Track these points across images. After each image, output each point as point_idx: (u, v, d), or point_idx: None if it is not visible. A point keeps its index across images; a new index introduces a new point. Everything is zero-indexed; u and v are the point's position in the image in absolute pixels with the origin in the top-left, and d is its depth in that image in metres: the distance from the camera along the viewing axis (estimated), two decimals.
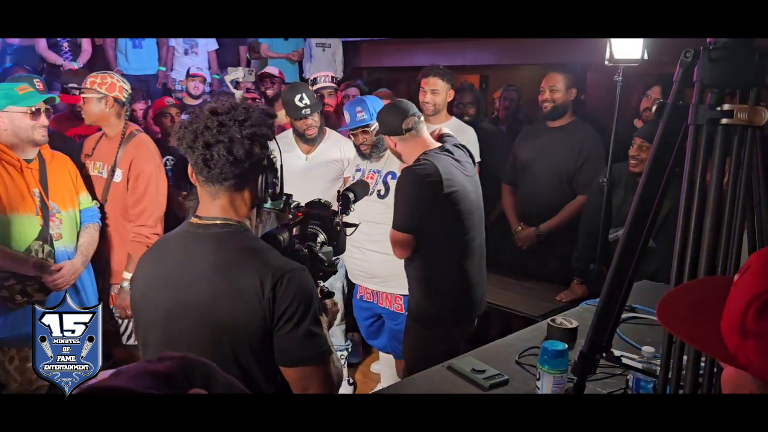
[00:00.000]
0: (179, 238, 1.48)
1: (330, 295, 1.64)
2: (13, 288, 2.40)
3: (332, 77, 4.33)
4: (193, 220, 1.44)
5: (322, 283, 1.62)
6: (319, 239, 1.63)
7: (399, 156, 2.52)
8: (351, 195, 1.85)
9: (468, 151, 2.58)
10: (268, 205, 1.60)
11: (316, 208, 1.68)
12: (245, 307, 1.34)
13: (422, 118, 2.50)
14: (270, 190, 1.45)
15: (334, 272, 1.65)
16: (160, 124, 3.79)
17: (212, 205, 1.42)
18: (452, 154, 2.44)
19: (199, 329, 1.37)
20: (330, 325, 1.61)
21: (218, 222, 1.41)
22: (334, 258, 1.65)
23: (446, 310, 2.47)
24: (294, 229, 1.62)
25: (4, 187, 2.39)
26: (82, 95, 2.83)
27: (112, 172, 2.84)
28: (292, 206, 1.61)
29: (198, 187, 1.44)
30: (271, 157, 1.45)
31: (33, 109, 2.42)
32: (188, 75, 4.88)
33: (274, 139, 1.44)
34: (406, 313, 2.64)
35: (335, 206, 1.74)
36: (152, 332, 1.45)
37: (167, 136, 3.53)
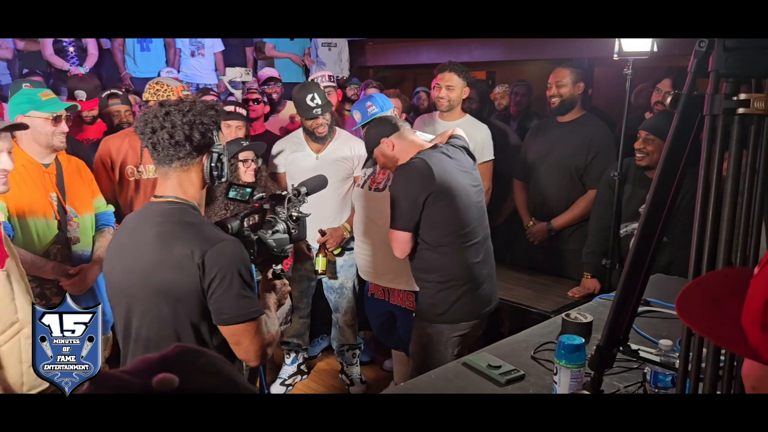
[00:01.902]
0: (137, 214, 1.73)
1: (279, 276, 1.89)
2: (32, 291, 2.42)
3: (330, 76, 4.34)
4: (152, 198, 1.67)
5: (274, 266, 1.88)
6: (276, 228, 1.84)
7: (395, 161, 2.53)
8: (303, 189, 1.99)
9: (467, 150, 2.60)
10: (233, 194, 1.93)
11: (275, 200, 1.90)
12: (180, 273, 1.54)
13: (402, 125, 2.58)
14: (215, 173, 1.65)
15: (285, 257, 1.86)
16: None
17: (165, 185, 1.64)
18: (446, 151, 2.47)
19: (144, 291, 1.58)
20: (280, 304, 1.83)
21: (169, 200, 1.63)
22: (287, 246, 1.85)
23: (449, 305, 2.46)
24: (252, 218, 1.85)
25: (23, 192, 2.40)
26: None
27: None
28: (255, 197, 1.86)
29: (155, 170, 1.67)
30: (216, 145, 1.65)
31: (54, 115, 2.44)
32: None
33: (219, 129, 1.66)
34: (414, 313, 2.64)
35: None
36: (115, 296, 1.68)
37: None
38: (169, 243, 1.56)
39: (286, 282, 1.89)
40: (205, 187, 1.69)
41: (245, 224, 1.80)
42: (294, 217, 1.88)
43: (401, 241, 2.43)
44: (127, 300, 1.63)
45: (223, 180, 1.70)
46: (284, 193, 1.92)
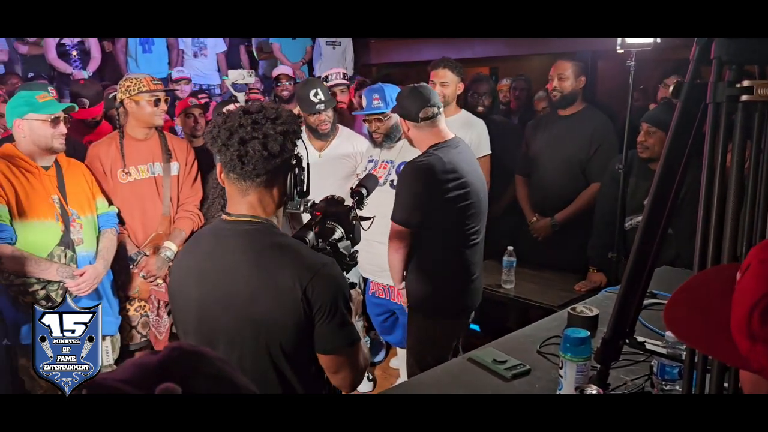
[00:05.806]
0: (211, 234, 1.56)
1: (352, 285, 1.74)
2: (37, 293, 2.43)
3: (344, 74, 4.33)
4: (224, 216, 1.51)
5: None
6: (336, 234, 1.69)
7: (410, 141, 2.53)
8: (364, 190, 1.92)
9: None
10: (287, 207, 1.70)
11: (332, 205, 1.75)
12: (281, 304, 1.41)
13: (441, 110, 2.50)
14: (298, 188, 1.51)
15: (355, 264, 1.72)
16: (184, 123, 3.82)
17: (241, 203, 1.47)
18: (458, 146, 2.46)
19: (236, 321, 1.44)
20: (355, 314, 1.70)
21: (246, 219, 1.47)
22: (352, 250, 1.73)
23: (446, 300, 2.48)
24: (314, 228, 1.69)
25: (24, 194, 2.41)
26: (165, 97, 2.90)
27: (168, 167, 2.91)
28: (308, 205, 1.66)
29: (227, 186, 1.50)
30: (298, 155, 1.51)
31: (52, 117, 2.43)
32: (172, 80, 4.79)
33: (301, 138, 1.50)
34: (407, 308, 2.61)
35: (348, 201, 1.81)
36: (188, 322, 1.53)
37: (191, 134, 3.61)
38: (265, 269, 1.42)
39: (359, 291, 1.77)
40: (284, 202, 1.54)
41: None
42: (355, 221, 1.75)
43: (400, 234, 2.41)
44: (207, 330, 1.48)
45: (306, 196, 1.57)
46: (336, 196, 1.78)
